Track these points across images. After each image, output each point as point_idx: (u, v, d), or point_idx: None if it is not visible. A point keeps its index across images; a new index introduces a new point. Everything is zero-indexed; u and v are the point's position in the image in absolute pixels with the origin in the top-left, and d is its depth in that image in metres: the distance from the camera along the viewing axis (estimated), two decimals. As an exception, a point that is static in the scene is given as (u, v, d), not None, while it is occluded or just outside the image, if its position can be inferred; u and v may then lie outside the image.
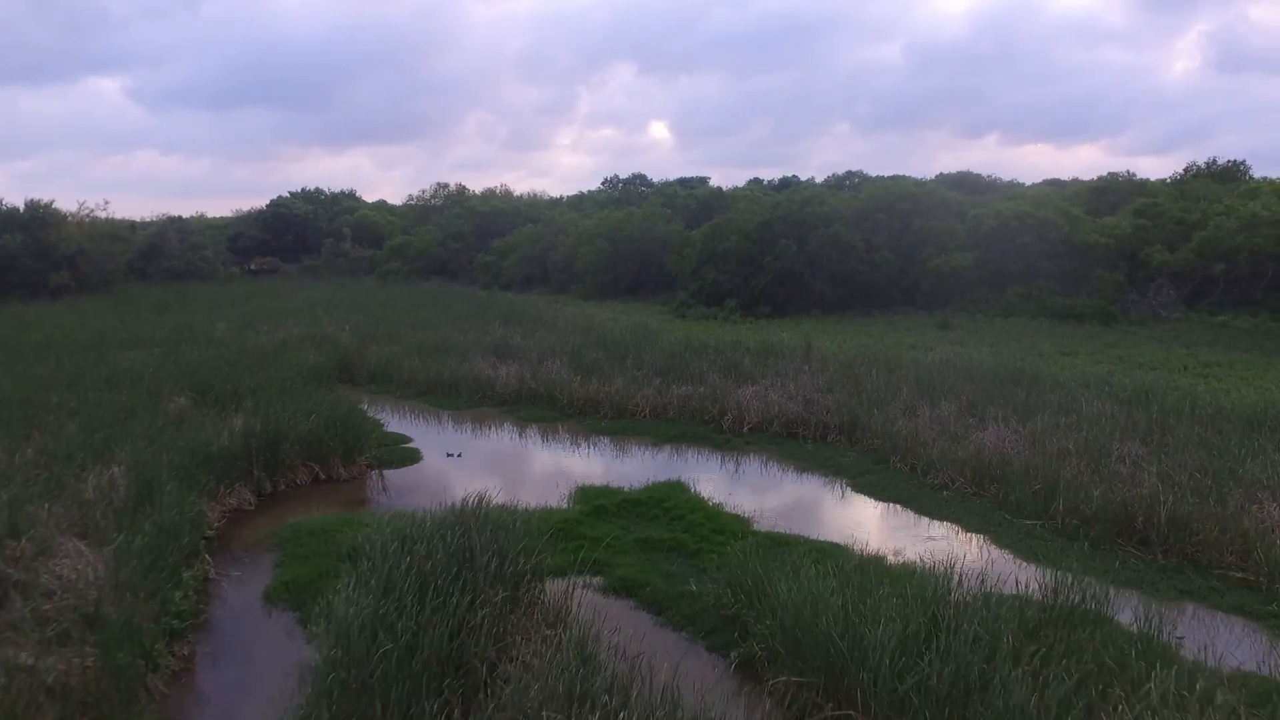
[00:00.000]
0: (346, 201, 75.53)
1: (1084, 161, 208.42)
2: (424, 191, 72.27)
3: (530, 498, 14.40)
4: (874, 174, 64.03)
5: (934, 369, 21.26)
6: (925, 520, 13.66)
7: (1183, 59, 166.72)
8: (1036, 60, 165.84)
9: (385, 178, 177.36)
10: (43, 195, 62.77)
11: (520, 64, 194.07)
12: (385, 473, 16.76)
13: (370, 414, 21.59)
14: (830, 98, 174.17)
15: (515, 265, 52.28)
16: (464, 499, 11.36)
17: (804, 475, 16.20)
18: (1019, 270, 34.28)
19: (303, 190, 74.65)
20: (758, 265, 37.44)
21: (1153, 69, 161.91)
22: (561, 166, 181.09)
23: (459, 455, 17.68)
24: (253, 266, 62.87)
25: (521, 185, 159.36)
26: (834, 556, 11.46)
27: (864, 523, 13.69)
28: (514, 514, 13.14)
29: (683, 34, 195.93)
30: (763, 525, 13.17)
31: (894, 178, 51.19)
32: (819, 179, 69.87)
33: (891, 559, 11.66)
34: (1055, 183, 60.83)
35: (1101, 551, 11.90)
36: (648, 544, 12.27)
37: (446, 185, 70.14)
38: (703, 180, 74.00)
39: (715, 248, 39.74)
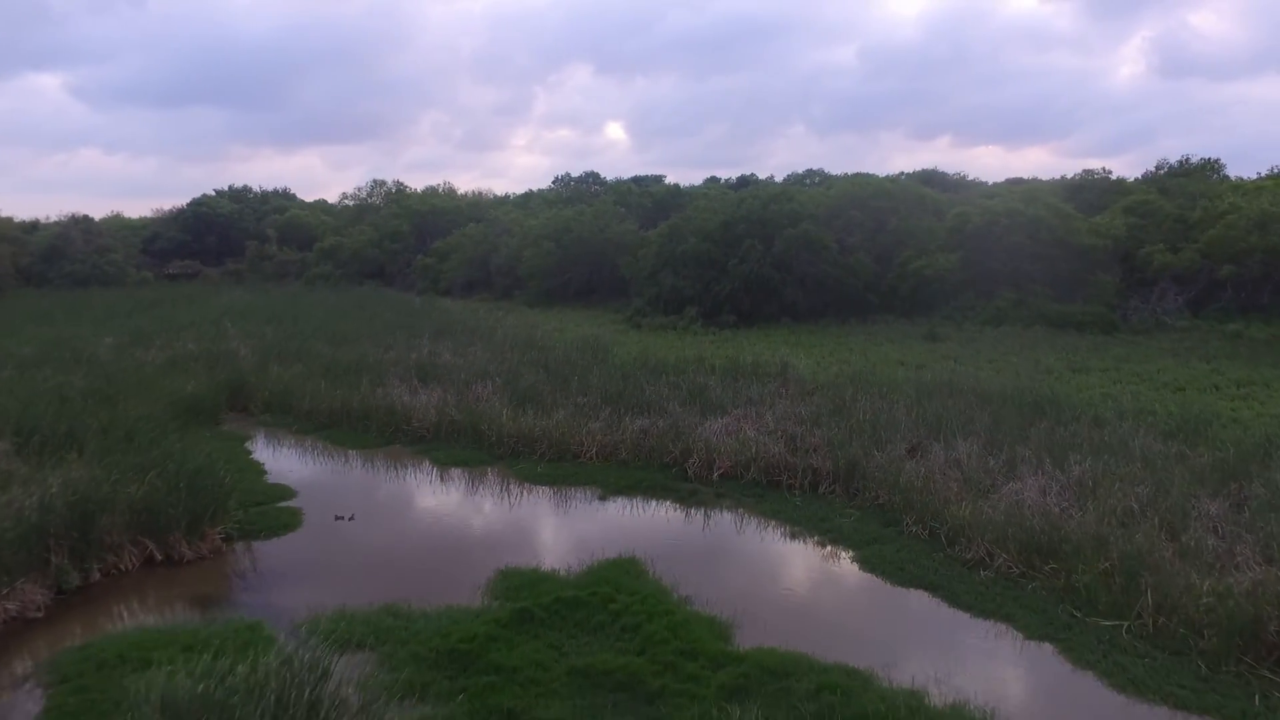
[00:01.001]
0: (277, 200, 70.15)
1: (1033, 163, 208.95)
2: (360, 189, 67.10)
3: (433, 586, 10.92)
4: (833, 174, 61.00)
5: (935, 394, 17.88)
6: (964, 617, 10.12)
7: (1128, 64, 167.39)
8: (988, 64, 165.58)
9: (338, 178, 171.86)
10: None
11: (476, 64, 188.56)
12: (254, 545, 12.89)
13: (256, 455, 17.75)
14: (786, 99, 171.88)
15: (456, 268, 48.09)
16: (316, 619, 7.70)
17: (794, 544, 12.60)
18: (1007, 273, 31.13)
19: (229, 188, 69.19)
20: (720, 269, 33.84)
21: (1100, 73, 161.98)
22: (516, 167, 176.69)
23: (351, 518, 13.77)
24: (170, 270, 57.60)
25: (475, 186, 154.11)
26: (855, 696, 7.96)
27: (884, 624, 10.14)
28: (400, 624, 9.53)
29: (640, 35, 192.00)
30: (747, 633, 9.55)
31: (861, 174, 48.07)
32: (778, 178, 66.57)
33: (937, 696, 8.11)
34: (1017, 181, 58.27)
35: (1225, 675, 8.50)
36: (587, 678, 8.52)
37: (383, 183, 65.02)
38: (658, 179, 70.29)
39: (673, 250, 36.02)
